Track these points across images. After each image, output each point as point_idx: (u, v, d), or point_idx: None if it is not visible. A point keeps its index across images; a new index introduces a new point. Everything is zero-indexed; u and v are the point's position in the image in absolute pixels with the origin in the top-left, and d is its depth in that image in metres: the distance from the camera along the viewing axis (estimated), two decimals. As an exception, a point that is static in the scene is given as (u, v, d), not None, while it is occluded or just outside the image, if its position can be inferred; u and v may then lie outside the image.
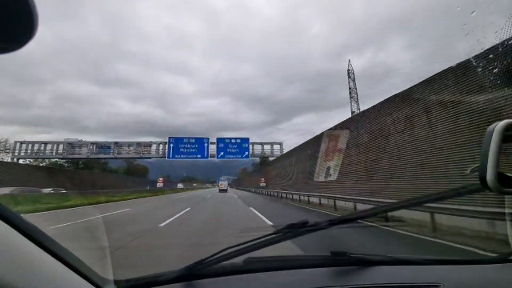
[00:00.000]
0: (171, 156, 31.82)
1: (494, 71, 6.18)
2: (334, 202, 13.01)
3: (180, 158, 32.39)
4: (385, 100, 10.91)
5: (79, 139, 33.68)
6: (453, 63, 7.44)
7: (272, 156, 35.81)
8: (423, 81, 8.73)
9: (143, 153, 33.12)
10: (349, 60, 42.35)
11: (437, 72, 8.07)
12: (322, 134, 16.82)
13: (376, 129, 11.42)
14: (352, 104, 41.13)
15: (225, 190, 52.54)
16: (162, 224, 8.60)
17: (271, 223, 8.69)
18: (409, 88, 9.39)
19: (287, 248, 5.17)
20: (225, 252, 0.98)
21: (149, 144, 33.47)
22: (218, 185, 65.02)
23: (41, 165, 38.47)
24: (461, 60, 7.24)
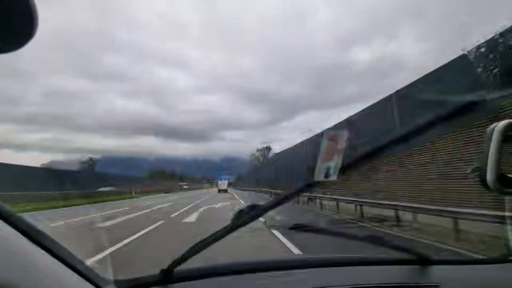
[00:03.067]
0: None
1: (494, 71, 6.18)
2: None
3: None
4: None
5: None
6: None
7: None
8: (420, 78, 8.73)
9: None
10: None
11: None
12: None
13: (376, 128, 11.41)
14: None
15: (225, 191, 48.46)
16: None
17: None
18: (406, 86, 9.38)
19: (285, 251, 5.19)
20: (200, 245, 0.92)
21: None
22: (217, 185, 60.82)
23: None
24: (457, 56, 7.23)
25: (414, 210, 7.59)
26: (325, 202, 14.72)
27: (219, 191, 48.67)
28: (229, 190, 49.58)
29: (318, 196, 15.60)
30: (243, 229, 0.92)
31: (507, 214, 2.33)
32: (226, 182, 56.46)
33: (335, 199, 13.06)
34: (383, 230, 7.54)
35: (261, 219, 7.99)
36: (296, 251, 4.93)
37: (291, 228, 1.05)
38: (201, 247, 0.92)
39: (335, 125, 15.09)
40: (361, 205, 10.48)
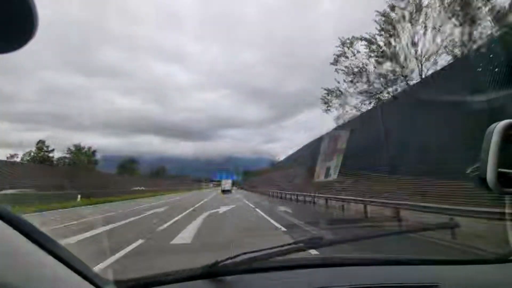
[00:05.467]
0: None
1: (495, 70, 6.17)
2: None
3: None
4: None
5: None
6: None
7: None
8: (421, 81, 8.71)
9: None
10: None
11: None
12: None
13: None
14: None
15: (229, 191, 41.43)
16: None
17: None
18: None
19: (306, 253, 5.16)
20: (242, 258, 1.02)
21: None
22: (205, 186, 51.46)
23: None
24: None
25: (415, 208, 7.63)
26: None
27: (223, 191, 41.34)
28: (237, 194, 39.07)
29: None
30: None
31: (507, 213, 2.33)
32: (230, 181, 48.68)
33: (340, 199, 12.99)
34: (386, 228, 7.55)
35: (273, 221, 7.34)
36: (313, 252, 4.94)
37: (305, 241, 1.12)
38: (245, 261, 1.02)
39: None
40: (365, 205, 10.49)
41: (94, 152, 50.73)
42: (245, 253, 1.05)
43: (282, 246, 1.08)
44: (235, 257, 1.04)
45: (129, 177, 49.64)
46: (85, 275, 0.73)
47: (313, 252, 2.38)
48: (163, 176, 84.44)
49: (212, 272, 1.05)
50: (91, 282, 0.74)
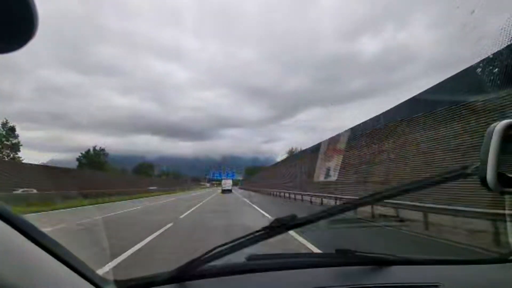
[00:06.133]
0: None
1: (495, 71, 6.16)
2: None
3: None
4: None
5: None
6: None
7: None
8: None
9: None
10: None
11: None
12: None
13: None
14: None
15: (229, 191, 40.82)
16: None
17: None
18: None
19: (296, 245, 5.22)
20: (218, 250, 0.95)
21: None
22: (203, 185, 49.23)
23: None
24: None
25: (419, 209, 7.63)
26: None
27: (223, 191, 40.44)
28: None
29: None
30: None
31: (507, 213, 2.34)
32: (230, 180, 47.63)
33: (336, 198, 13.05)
34: (391, 228, 7.56)
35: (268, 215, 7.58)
36: (315, 249, 4.96)
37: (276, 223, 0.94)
38: (223, 254, 0.94)
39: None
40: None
41: (12, 130, 31.35)
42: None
43: (258, 231, 0.94)
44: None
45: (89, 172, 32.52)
46: (85, 275, 0.73)
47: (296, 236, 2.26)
48: (152, 174, 74.10)
49: (211, 273, 1.05)
50: (91, 282, 0.74)
